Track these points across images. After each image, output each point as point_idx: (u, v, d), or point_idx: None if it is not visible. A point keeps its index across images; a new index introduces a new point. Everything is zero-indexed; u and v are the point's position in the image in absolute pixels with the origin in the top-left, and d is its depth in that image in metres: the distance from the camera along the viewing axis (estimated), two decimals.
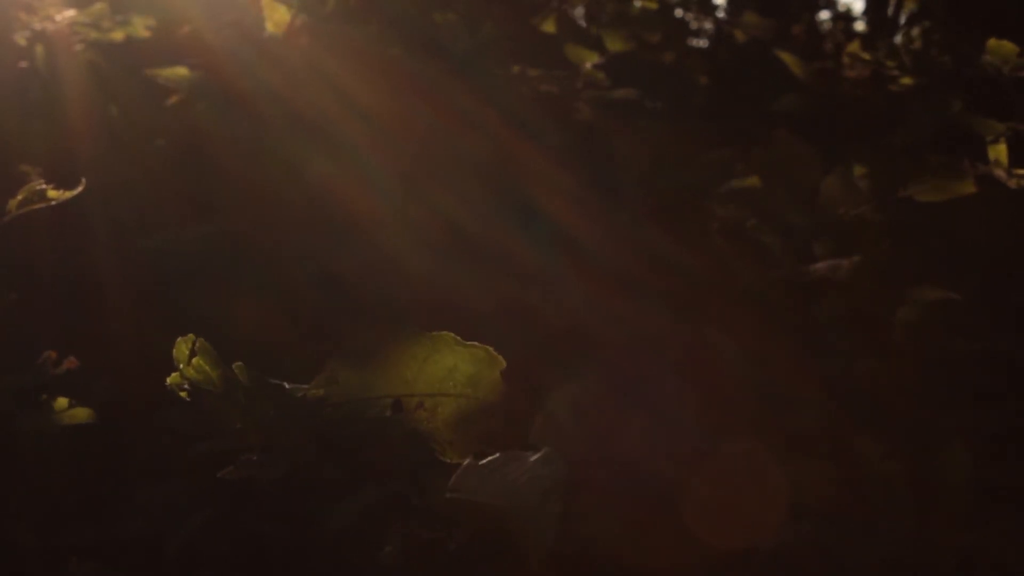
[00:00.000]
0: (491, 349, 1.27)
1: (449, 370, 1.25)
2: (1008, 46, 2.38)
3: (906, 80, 2.64)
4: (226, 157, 2.59)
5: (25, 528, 1.86)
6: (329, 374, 1.24)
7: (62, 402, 1.84)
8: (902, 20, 4.93)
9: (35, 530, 1.86)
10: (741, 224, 2.24)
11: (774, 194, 2.23)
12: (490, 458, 1.21)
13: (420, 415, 1.25)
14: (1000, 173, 2.07)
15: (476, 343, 1.27)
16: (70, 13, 2.73)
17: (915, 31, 4.73)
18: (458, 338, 1.27)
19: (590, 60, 3.22)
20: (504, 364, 1.26)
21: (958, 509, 1.55)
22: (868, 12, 5.26)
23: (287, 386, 1.25)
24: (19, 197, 1.50)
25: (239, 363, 1.22)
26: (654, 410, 1.39)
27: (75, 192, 1.50)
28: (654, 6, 3.74)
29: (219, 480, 1.37)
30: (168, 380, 1.23)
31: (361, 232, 2.34)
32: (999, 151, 2.14)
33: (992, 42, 2.39)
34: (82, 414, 1.84)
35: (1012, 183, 2.05)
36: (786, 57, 3.05)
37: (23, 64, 2.72)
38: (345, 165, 2.44)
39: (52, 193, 1.50)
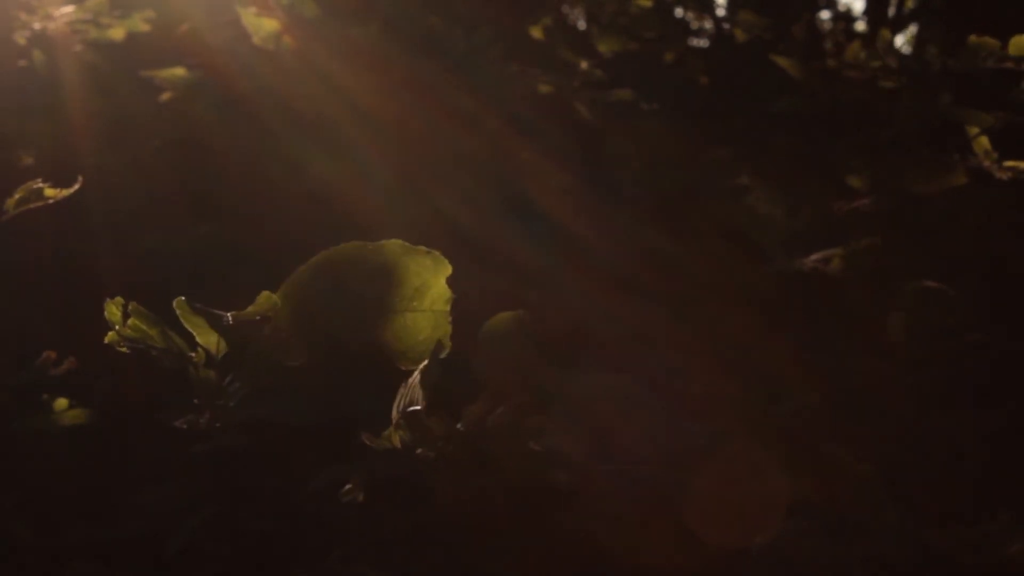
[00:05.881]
0: (437, 253, 1.21)
1: (395, 285, 1.22)
2: (990, 41, 2.40)
3: (899, 77, 2.65)
4: (224, 156, 2.59)
5: (25, 528, 1.86)
6: (273, 296, 1.22)
7: (62, 402, 1.84)
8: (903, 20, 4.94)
9: (35, 530, 1.86)
10: (737, 222, 2.25)
11: (767, 192, 2.24)
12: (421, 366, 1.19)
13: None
14: (988, 164, 2.08)
15: (421, 247, 1.22)
16: (69, 10, 2.74)
17: (911, 29, 4.73)
18: (405, 244, 1.22)
19: (583, 62, 3.22)
20: (451, 270, 1.21)
21: (952, 507, 1.55)
22: (868, 12, 5.25)
23: (230, 315, 1.23)
24: (16, 196, 1.50)
25: (180, 297, 1.21)
26: (652, 408, 1.39)
27: (72, 190, 1.49)
28: (649, 4, 3.73)
29: (219, 480, 1.36)
30: (105, 339, 1.20)
31: (358, 230, 2.34)
32: (983, 143, 2.15)
33: (973, 39, 2.41)
34: (82, 414, 1.84)
35: (1001, 175, 2.06)
36: (783, 61, 3.05)
37: (23, 63, 2.73)
38: (343, 164, 2.44)
39: (49, 192, 1.49)
